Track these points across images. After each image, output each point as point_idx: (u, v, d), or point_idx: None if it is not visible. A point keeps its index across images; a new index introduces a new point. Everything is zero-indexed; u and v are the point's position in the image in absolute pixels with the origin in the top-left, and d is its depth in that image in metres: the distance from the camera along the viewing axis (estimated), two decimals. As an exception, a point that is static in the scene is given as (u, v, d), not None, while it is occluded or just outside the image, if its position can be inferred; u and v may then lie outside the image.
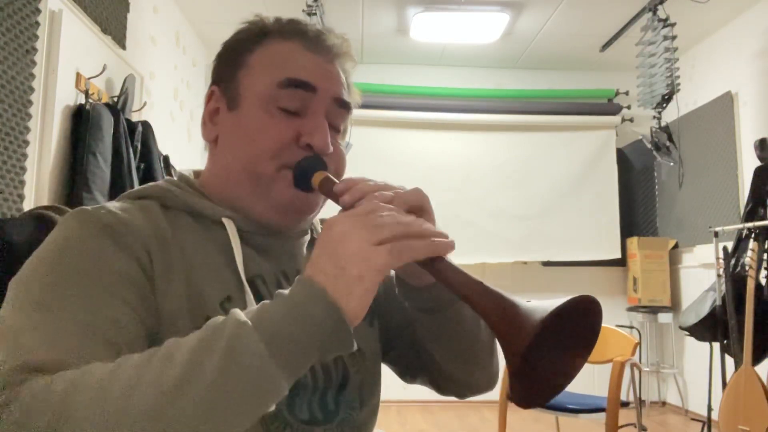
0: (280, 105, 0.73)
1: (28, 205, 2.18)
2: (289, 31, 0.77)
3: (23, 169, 2.16)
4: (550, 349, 0.57)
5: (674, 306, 4.50)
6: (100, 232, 0.64)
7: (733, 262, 3.19)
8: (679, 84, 3.83)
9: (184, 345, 0.53)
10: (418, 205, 0.65)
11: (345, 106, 0.78)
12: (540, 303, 0.54)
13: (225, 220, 0.73)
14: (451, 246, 0.61)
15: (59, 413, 0.49)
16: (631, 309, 4.63)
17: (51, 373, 0.52)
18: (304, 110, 0.74)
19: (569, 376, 0.59)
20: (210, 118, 0.79)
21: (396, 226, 0.58)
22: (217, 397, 0.50)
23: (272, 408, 0.54)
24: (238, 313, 0.55)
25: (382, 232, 0.57)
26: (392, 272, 0.85)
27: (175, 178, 0.78)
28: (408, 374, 0.87)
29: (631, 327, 4.51)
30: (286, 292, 0.57)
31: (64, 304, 0.58)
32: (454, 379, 0.81)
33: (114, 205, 0.69)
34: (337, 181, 0.70)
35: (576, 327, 0.58)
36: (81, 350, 0.55)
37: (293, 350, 0.54)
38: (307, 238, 0.84)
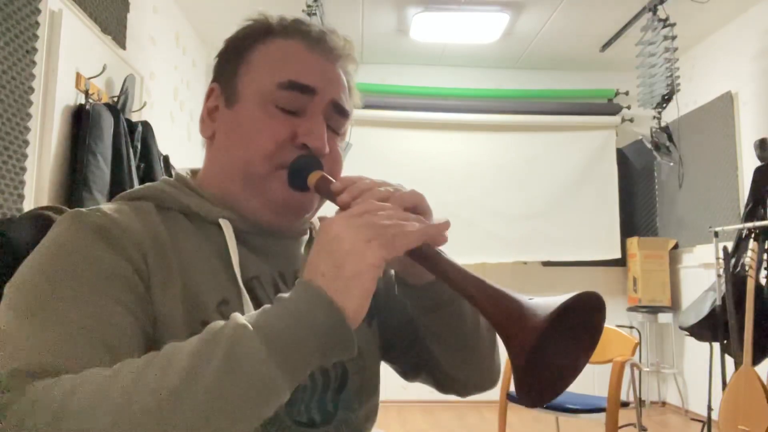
0: (278, 104, 0.73)
1: (28, 205, 2.18)
2: (292, 30, 0.77)
3: (23, 169, 2.15)
4: (554, 346, 0.57)
5: (674, 306, 4.50)
6: (94, 234, 0.63)
7: (733, 262, 3.19)
8: (679, 84, 3.83)
9: (183, 349, 0.52)
10: (414, 205, 0.64)
11: (343, 113, 0.77)
12: (543, 300, 0.53)
13: (222, 221, 0.72)
14: (444, 225, 0.61)
15: (58, 418, 0.49)
16: (631, 309, 4.63)
17: (50, 377, 0.52)
18: (302, 110, 0.74)
19: (574, 373, 0.58)
20: (208, 115, 0.79)
21: (390, 222, 0.58)
22: (217, 402, 0.50)
23: (272, 413, 0.54)
24: (238, 317, 0.54)
25: (375, 228, 0.57)
26: (392, 271, 0.85)
27: (172, 179, 0.78)
28: (409, 373, 0.87)
29: (631, 327, 4.51)
30: (285, 295, 0.56)
31: (62, 307, 0.58)
32: (456, 377, 0.80)
33: (109, 207, 0.68)
34: (334, 181, 0.69)
35: (579, 323, 0.57)
36: (79, 354, 0.55)
37: (294, 353, 0.53)
38: (306, 238, 0.83)
